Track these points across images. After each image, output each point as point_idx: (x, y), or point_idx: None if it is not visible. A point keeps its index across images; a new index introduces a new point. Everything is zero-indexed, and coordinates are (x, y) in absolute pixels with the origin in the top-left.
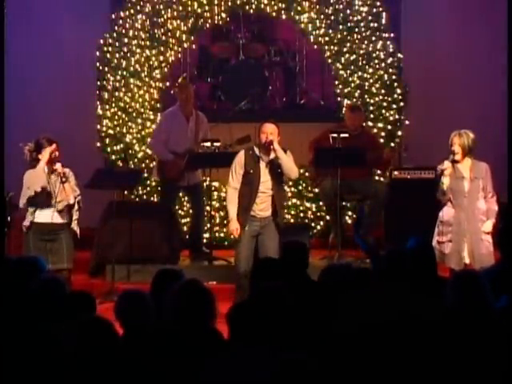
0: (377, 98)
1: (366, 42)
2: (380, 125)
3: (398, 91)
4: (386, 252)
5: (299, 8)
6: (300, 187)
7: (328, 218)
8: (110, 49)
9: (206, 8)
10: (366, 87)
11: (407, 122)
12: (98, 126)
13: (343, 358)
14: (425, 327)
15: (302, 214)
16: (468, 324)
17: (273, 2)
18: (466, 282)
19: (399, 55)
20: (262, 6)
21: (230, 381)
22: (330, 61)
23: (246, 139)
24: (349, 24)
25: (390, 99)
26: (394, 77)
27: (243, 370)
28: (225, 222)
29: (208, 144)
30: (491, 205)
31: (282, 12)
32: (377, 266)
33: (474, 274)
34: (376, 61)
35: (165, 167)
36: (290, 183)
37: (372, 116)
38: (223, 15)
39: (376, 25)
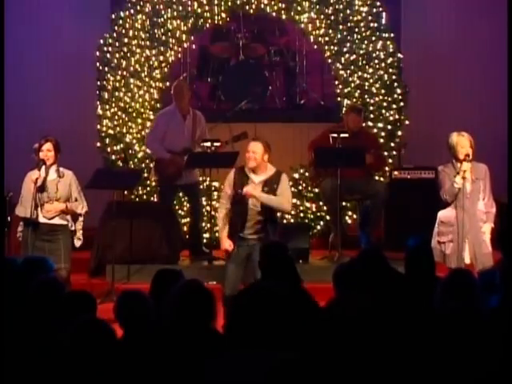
0: (377, 98)
1: (365, 42)
2: (380, 125)
3: (398, 91)
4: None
5: (299, 8)
6: (300, 187)
7: (328, 218)
8: (110, 49)
9: (206, 8)
10: (366, 87)
11: (407, 122)
12: (98, 126)
13: (336, 358)
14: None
15: (301, 214)
16: (456, 323)
17: (273, 2)
18: (459, 281)
19: (399, 55)
20: (262, 5)
21: (229, 381)
22: (329, 61)
23: (242, 136)
24: (349, 24)
25: (390, 99)
26: (394, 77)
27: (242, 370)
28: None
29: (208, 144)
30: (489, 208)
31: (282, 12)
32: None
33: (468, 274)
34: (376, 61)
35: (162, 166)
36: (290, 183)
37: (372, 116)
38: (223, 15)
39: (376, 25)
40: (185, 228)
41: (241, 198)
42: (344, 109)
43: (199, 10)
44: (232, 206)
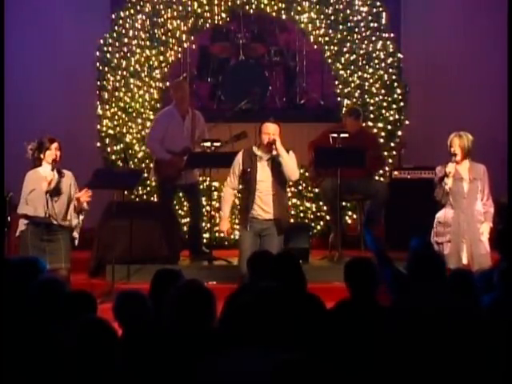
0: (377, 98)
1: (366, 42)
2: (380, 125)
3: (398, 91)
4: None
5: (299, 8)
6: (300, 187)
7: (328, 218)
8: (110, 49)
9: (206, 8)
10: (366, 87)
11: (407, 122)
12: (98, 126)
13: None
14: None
15: (301, 214)
16: (457, 321)
17: (273, 2)
18: (460, 281)
19: (399, 55)
20: (262, 6)
21: (229, 381)
22: (329, 61)
23: (242, 135)
24: (349, 24)
25: (390, 99)
26: (394, 77)
27: (242, 370)
28: None
29: (208, 144)
30: (488, 207)
31: (282, 12)
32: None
33: (468, 274)
34: (376, 61)
35: (162, 166)
36: (290, 183)
37: (372, 116)
38: (223, 15)
39: (376, 25)
40: (185, 228)
41: (249, 177)
42: (344, 109)
43: (199, 10)
44: (241, 187)
